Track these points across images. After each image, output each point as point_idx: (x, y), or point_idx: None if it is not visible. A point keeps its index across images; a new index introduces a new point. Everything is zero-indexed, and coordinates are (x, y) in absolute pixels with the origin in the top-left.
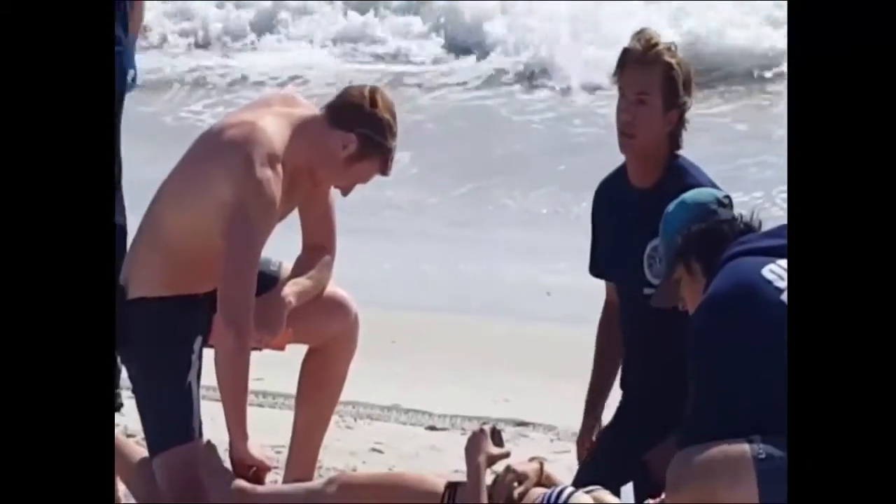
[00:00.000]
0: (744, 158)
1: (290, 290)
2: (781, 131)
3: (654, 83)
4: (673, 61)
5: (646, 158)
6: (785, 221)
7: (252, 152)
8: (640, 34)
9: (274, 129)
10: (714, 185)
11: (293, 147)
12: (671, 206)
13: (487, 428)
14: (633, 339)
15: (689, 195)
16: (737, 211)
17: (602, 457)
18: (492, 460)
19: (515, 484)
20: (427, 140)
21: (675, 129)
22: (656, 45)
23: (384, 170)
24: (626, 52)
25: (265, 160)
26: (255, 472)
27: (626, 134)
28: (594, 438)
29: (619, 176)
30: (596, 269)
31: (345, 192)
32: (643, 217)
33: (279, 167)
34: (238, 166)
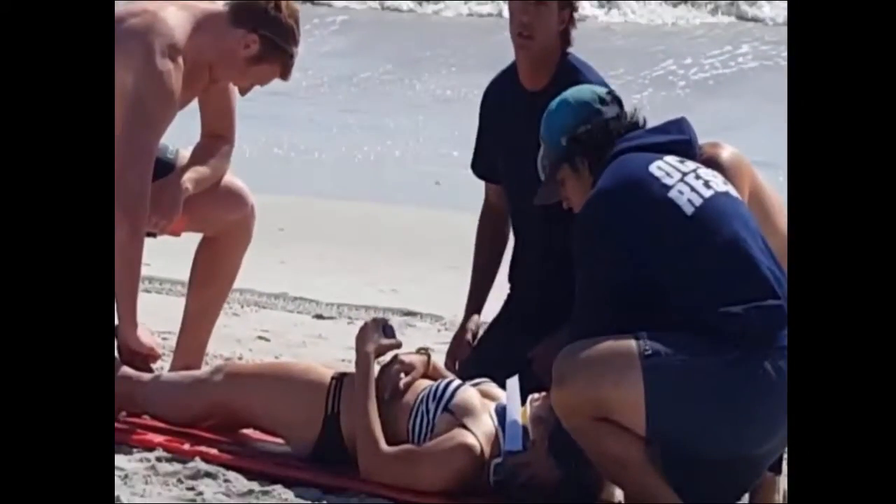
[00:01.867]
0: None
1: (188, 178)
2: None
3: None
4: None
5: (540, 60)
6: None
7: (153, 42)
8: None
9: (175, 21)
10: (602, 82)
11: (194, 41)
12: (553, 105)
13: (378, 319)
14: (526, 239)
15: (571, 93)
16: (619, 107)
17: (489, 348)
18: (381, 351)
19: (402, 375)
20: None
21: (566, 27)
22: None
23: (284, 74)
24: None
25: (165, 51)
26: (144, 359)
27: (524, 35)
28: (477, 333)
29: (509, 77)
30: (481, 170)
31: (243, 92)
32: (537, 120)
33: (179, 59)
34: (138, 56)
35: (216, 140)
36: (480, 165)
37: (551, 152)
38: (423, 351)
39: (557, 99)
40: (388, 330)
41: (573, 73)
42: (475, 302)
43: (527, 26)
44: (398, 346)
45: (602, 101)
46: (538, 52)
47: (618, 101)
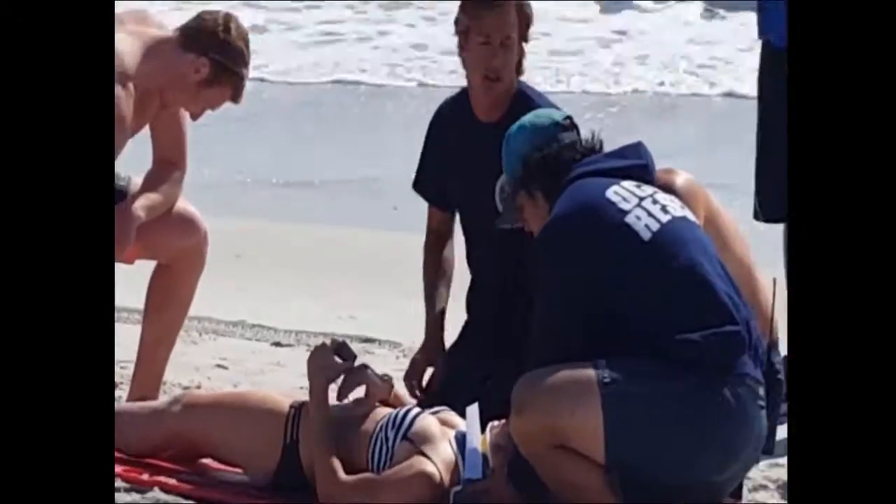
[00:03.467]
0: None
1: (140, 205)
2: None
3: (514, 24)
4: (529, 12)
5: (499, 94)
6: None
7: None
8: None
9: (125, 48)
10: (555, 107)
11: (144, 67)
12: (512, 130)
13: (333, 341)
14: (482, 267)
15: (528, 119)
16: (576, 133)
17: (448, 376)
18: (333, 375)
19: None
20: None
21: (520, 58)
22: None
23: (235, 97)
24: (481, 2)
25: (116, 77)
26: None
27: (492, 78)
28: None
29: (462, 106)
30: (426, 192)
31: (194, 117)
32: (489, 152)
33: (130, 85)
34: None
35: (168, 166)
36: (426, 187)
37: (509, 178)
38: (387, 378)
39: (517, 124)
40: (344, 351)
41: (527, 101)
42: (432, 331)
43: (495, 70)
44: (350, 367)
45: (560, 126)
46: (501, 91)
47: (575, 127)
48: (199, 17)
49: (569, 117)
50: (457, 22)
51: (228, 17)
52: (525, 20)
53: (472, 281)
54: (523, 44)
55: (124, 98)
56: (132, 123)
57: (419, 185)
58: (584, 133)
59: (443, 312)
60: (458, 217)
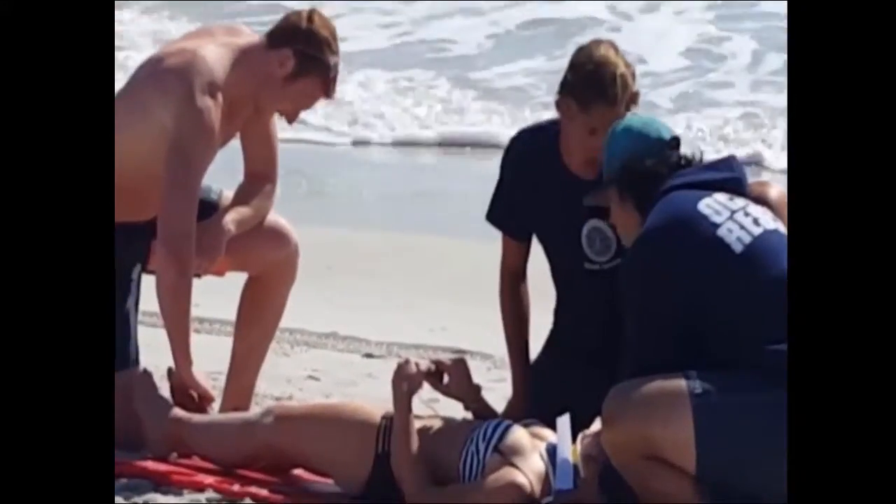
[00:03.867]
0: None
1: (230, 218)
2: None
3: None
4: (636, 90)
5: (587, 162)
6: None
7: (192, 80)
8: (602, 66)
9: (215, 58)
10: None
11: (234, 76)
12: (617, 129)
13: (413, 359)
14: (568, 302)
15: (637, 125)
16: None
17: (537, 388)
18: (416, 386)
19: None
20: None
21: None
22: (622, 87)
23: (326, 90)
24: (599, 95)
25: (205, 89)
26: (199, 401)
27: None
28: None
29: (549, 150)
30: (504, 223)
31: (289, 119)
32: (580, 204)
33: (219, 96)
34: (178, 94)
35: (259, 179)
36: (504, 219)
37: (607, 170)
38: (476, 385)
39: (624, 124)
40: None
41: None
42: (520, 387)
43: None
44: (433, 371)
45: (665, 143)
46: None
47: (679, 148)
48: (285, 16)
49: (676, 138)
50: (563, 92)
51: (312, 10)
52: (632, 101)
53: (557, 312)
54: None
55: (213, 109)
56: (222, 133)
57: (495, 217)
58: (686, 151)
59: (528, 365)
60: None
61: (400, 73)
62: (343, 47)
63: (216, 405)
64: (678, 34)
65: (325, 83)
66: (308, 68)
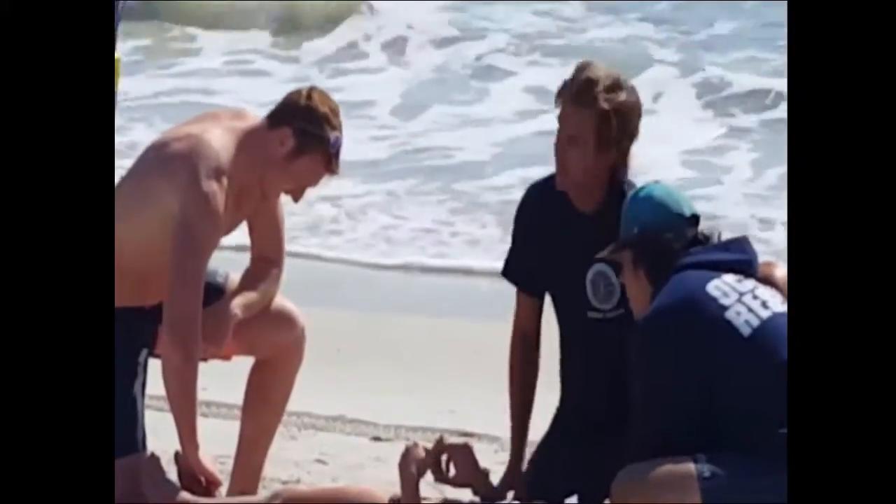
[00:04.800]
0: None
1: (237, 303)
2: None
3: (586, 126)
4: (608, 107)
5: (583, 189)
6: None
7: (197, 165)
8: (581, 70)
9: (220, 143)
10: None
11: (238, 160)
12: (640, 194)
13: (421, 443)
14: (572, 354)
15: (661, 193)
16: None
17: (544, 467)
18: (423, 469)
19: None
20: None
21: (615, 164)
22: (593, 86)
23: (329, 166)
24: (562, 88)
25: (210, 173)
26: (207, 485)
27: (560, 171)
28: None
29: (557, 195)
30: (517, 276)
31: (295, 198)
32: (583, 242)
33: (224, 180)
34: (183, 179)
35: (266, 264)
36: (516, 272)
37: (624, 231)
38: (484, 470)
39: (647, 191)
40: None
41: (624, 195)
42: (515, 460)
43: (560, 163)
44: (438, 454)
45: (685, 220)
46: (576, 186)
47: (697, 224)
48: (285, 95)
49: (696, 216)
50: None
51: (312, 88)
52: (605, 128)
53: (564, 369)
54: (614, 151)
55: (218, 193)
56: (232, 218)
57: (508, 271)
58: (704, 228)
59: (524, 434)
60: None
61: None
62: None
63: (224, 489)
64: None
65: (328, 159)
66: (309, 145)
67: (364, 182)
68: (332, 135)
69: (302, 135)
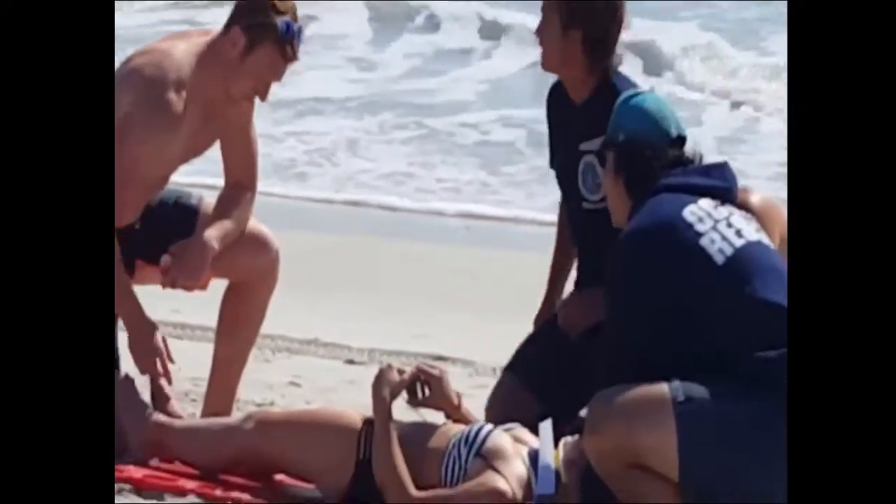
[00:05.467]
0: None
1: (214, 235)
2: None
3: (552, 7)
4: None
5: (566, 78)
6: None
7: (154, 75)
8: None
9: (182, 56)
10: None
11: (201, 73)
12: (631, 103)
13: (392, 366)
14: (578, 244)
15: (651, 105)
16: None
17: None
18: (396, 392)
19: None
20: None
21: (588, 53)
22: None
23: (285, 54)
24: None
25: (168, 83)
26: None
27: (541, 53)
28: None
29: (561, 83)
30: (551, 165)
31: (262, 96)
32: (575, 132)
33: (183, 93)
34: (140, 89)
35: (239, 189)
36: (551, 163)
37: (611, 133)
38: (456, 394)
39: (638, 101)
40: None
41: (614, 92)
42: (550, 294)
43: (537, 34)
44: (413, 385)
45: (671, 141)
46: (552, 68)
47: (682, 146)
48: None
49: (682, 137)
50: None
51: None
52: (572, 10)
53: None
54: (577, 32)
55: (174, 101)
56: (199, 140)
57: (550, 163)
58: (687, 150)
59: (564, 277)
60: None
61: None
62: None
63: (197, 411)
64: None
65: (281, 47)
66: (259, 38)
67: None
68: (281, 20)
69: (250, 30)
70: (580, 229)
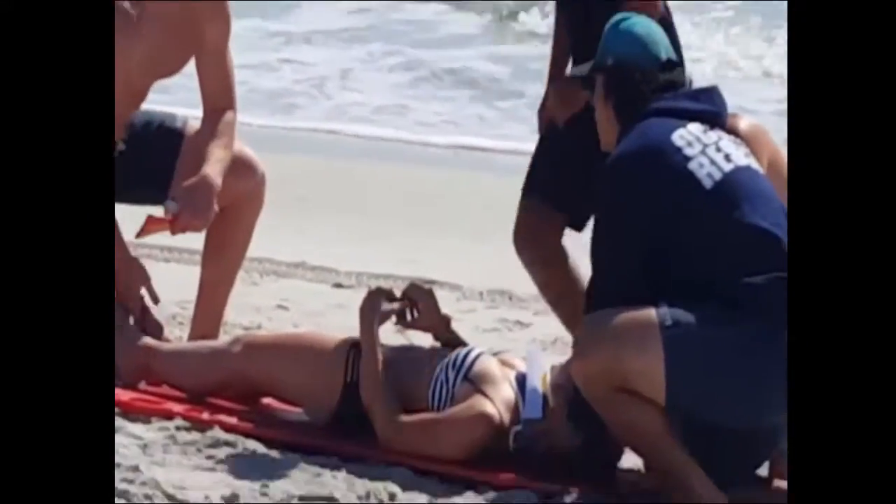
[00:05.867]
0: None
1: (213, 171)
2: None
3: None
4: None
5: None
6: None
7: None
8: None
9: None
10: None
11: None
12: (622, 27)
13: (381, 289)
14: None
15: (642, 30)
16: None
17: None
18: (384, 318)
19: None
20: None
21: None
22: None
23: None
24: None
25: None
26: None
27: None
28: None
29: None
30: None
31: None
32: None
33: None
34: None
35: (219, 113)
36: None
37: (600, 56)
38: (445, 317)
39: (629, 25)
40: (391, 297)
41: None
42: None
43: None
44: (402, 308)
45: (661, 65)
46: None
47: (671, 71)
48: None
49: (671, 62)
50: None
51: None
52: None
53: None
54: None
55: (128, 7)
56: (163, 53)
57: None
58: (676, 74)
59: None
60: None
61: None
62: None
63: (184, 334)
64: None
65: None
66: None
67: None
68: None
69: None
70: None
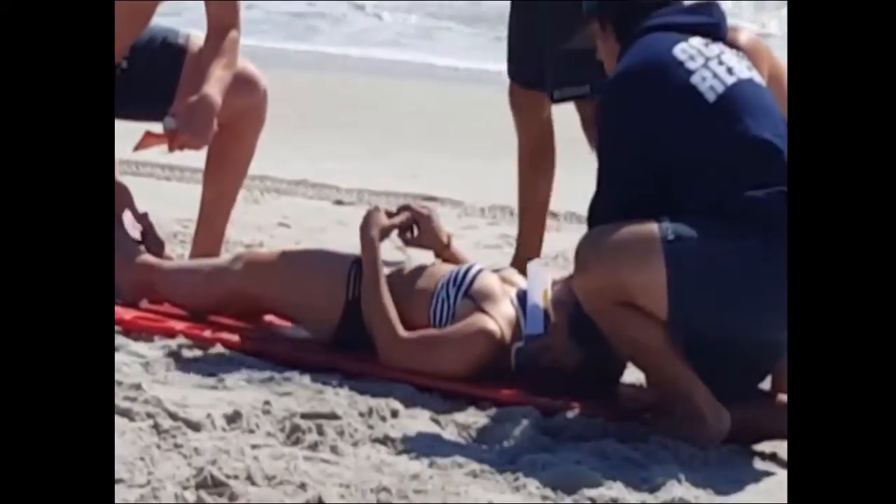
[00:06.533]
0: None
1: (213, 91)
2: None
3: None
4: None
5: None
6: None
7: None
8: None
9: None
10: None
11: None
12: None
13: (381, 208)
14: None
15: None
16: None
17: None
18: (385, 233)
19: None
20: None
21: None
22: None
23: None
24: None
25: None
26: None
27: None
28: None
29: None
30: None
31: None
32: None
33: None
34: None
35: (223, 31)
36: None
37: (587, 5)
38: (446, 234)
39: None
40: (392, 215)
41: None
42: None
43: None
44: (403, 224)
45: None
46: None
47: None
48: None
49: None
50: None
51: None
52: None
53: None
54: None
55: None
56: None
57: None
58: None
59: None
60: None
61: None
62: None
63: (186, 252)
64: None
65: None
66: None
67: None
68: None
69: None
70: None
